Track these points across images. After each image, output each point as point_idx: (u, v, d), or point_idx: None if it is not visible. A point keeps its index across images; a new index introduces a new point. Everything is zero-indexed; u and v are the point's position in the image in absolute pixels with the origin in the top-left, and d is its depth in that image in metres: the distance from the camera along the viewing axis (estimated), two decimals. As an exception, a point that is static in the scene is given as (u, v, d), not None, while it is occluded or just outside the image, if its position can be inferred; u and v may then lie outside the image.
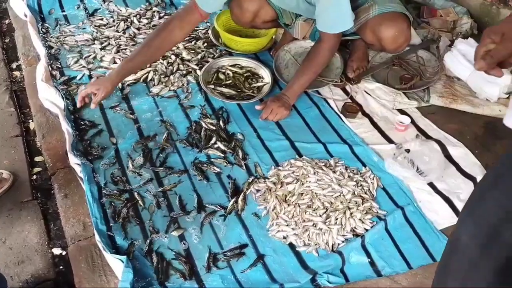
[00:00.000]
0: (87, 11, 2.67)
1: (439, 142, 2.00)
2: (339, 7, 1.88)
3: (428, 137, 2.05)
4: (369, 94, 2.24)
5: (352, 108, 2.15)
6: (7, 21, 2.83)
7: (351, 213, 1.69)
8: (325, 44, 2.01)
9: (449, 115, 2.17)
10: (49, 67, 2.25)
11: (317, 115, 2.15)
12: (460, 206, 1.77)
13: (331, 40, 1.99)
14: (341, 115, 2.14)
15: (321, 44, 2.02)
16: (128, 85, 2.21)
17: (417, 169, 1.86)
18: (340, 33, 1.98)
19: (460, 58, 2.21)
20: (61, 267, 1.63)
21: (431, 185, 1.85)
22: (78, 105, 1.99)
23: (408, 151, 1.90)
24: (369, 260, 1.59)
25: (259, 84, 2.28)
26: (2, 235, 1.70)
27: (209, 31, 2.54)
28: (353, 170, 1.87)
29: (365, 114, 2.16)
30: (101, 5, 2.72)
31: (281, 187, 1.79)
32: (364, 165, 1.90)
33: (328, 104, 2.21)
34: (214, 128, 2.03)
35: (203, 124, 2.04)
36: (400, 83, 2.29)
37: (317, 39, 2.08)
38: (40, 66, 2.21)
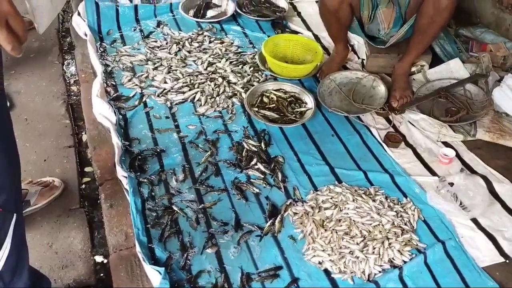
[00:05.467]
0: (142, 33, 2.81)
1: (484, 178, 1.95)
2: None
3: (473, 171, 2.00)
4: (413, 125, 2.22)
5: (395, 138, 2.14)
6: (68, 40, 3.04)
7: (389, 244, 1.67)
8: None
9: (496, 150, 2.12)
10: (105, 83, 2.38)
11: (359, 143, 2.15)
12: (504, 244, 1.72)
13: None
14: (383, 144, 2.13)
15: None
16: (176, 104, 2.31)
17: (460, 203, 1.82)
18: None
19: (510, 94, 2.18)
20: (102, 274, 1.70)
21: (474, 221, 1.80)
22: None
23: (451, 184, 1.86)
24: (406, 292, 1.56)
25: (302, 109, 2.32)
26: (49, 239, 1.80)
27: (256, 57, 2.62)
28: (393, 200, 1.85)
29: (408, 145, 2.14)
30: (156, 29, 2.86)
31: (319, 211, 1.80)
32: (405, 196, 1.88)
33: (370, 132, 2.21)
34: (255, 149, 2.07)
35: (245, 145, 2.09)
36: (445, 115, 2.26)
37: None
38: (96, 82, 2.34)
